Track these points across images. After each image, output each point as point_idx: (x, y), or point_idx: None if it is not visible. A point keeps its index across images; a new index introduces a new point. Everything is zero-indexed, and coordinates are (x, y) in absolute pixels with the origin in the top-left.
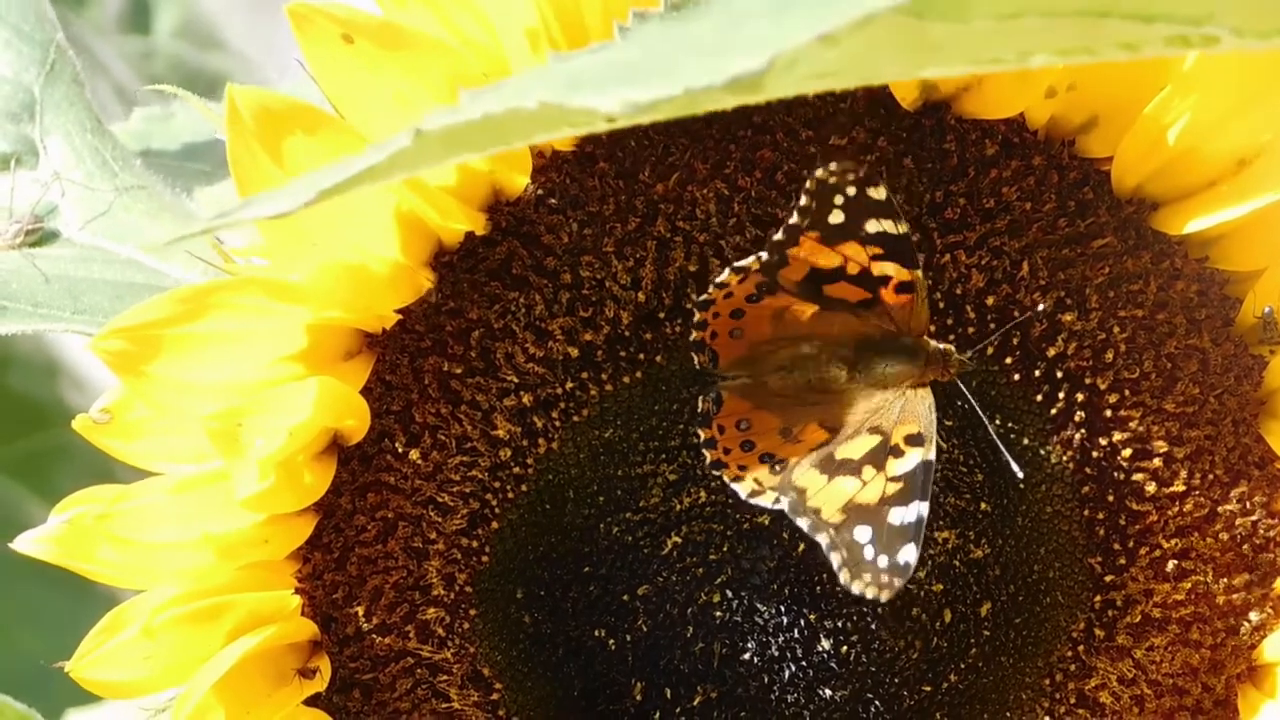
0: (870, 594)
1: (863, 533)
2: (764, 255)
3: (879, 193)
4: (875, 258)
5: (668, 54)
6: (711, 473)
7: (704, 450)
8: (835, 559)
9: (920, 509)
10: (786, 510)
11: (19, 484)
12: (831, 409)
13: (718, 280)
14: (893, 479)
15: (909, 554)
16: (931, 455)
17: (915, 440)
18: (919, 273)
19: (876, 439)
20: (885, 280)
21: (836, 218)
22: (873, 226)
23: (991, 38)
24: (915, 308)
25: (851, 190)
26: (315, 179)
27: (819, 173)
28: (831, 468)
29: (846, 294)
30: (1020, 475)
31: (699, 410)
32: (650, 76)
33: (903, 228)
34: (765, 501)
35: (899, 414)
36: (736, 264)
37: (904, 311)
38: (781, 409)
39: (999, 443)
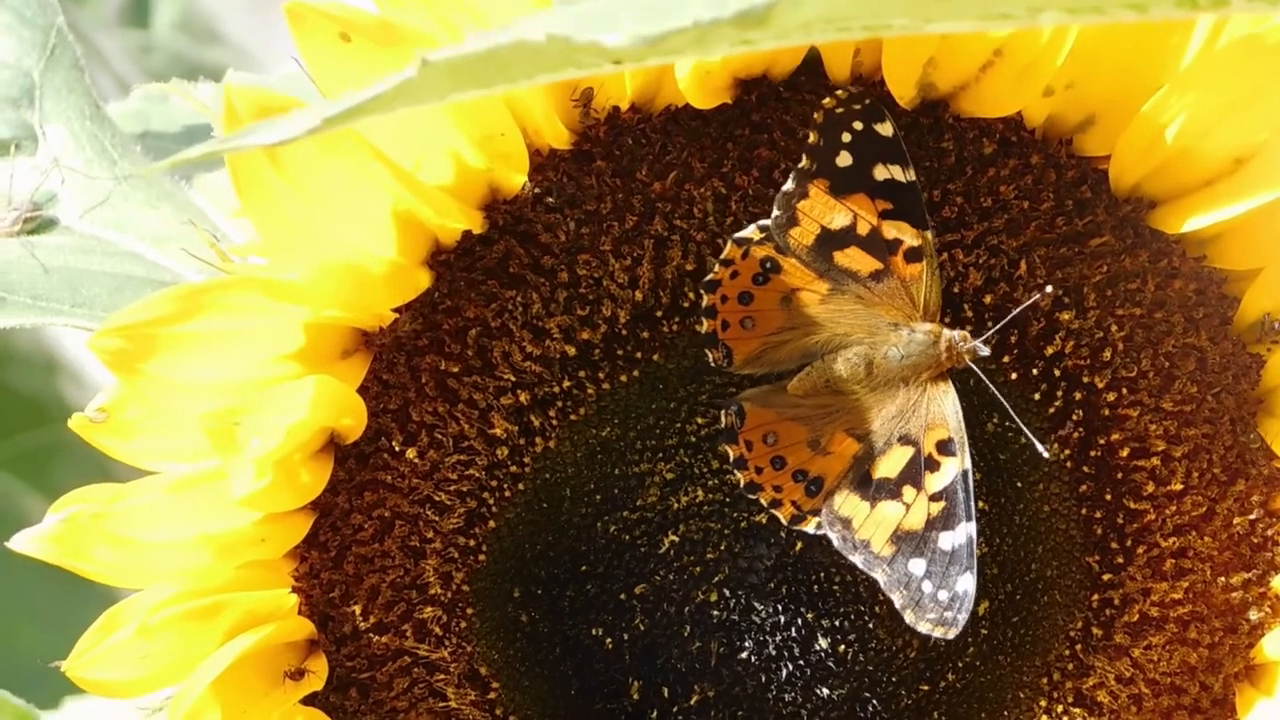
0: (938, 633)
1: (917, 566)
2: (764, 223)
3: (886, 129)
4: (885, 214)
5: None
6: (748, 496)
7: (736, 472)
8: (897, 599)
9: (969, 530)
10: (837, 545)
11: (18, 479)
12: (856, 414)
13: (721, 257)
14: (934, 497)
15: (966, 583)
16: (967, 464)
17: (947, 448)
18: (929, 234)
19: (909, 451)
20: (896, 246)
21: (844, 160)
22: (881, 173)
23: None
24: (926, 279)
25: (858, 125)
26: (320, 108)
27: (826, 101)
28: (871, 491)
29: (857, 263)
30: (1046, 454)
31: (723, 426)
32: (660, 13)
33: (910, 174)
34: (808, 527)
35: (926, 417)
36: (737, 235)
37: (915, 285)
38: (806, 418)
39: (1022, 425)
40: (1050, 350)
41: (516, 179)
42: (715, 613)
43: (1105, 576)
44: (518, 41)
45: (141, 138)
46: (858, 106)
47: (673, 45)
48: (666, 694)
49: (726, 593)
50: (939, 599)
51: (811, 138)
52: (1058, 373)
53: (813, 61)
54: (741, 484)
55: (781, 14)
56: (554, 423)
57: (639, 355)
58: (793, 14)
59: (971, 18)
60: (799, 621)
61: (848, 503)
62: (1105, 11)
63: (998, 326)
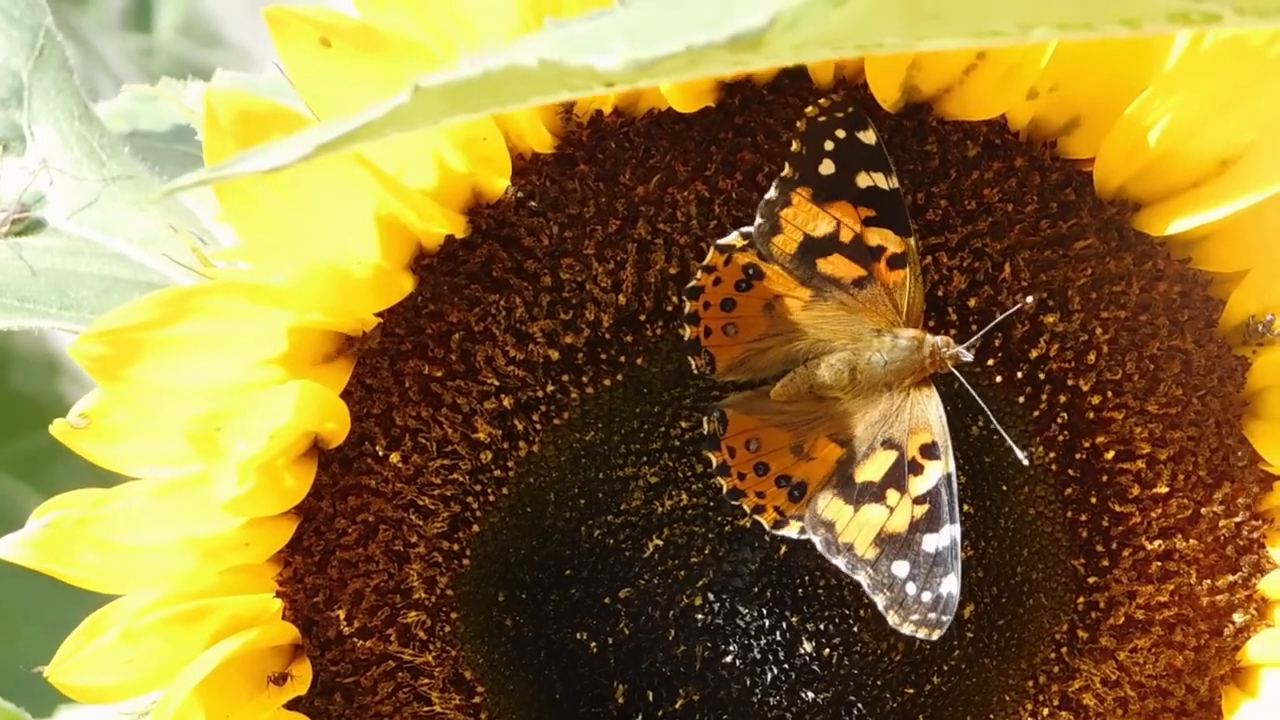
0: (922, 634)
1: (901, 568)
2: (747, 229)
3: (869, 136)
4: (868, 221)
5: (669, 17)
6: (731, 503)
7: (719, 479)
8: (880, 600)
9: (952, 532)
10: (820, 549)
11: (20, 482)
12: (839, 419)
13: (704, 263)
14: (917, 500)
15: (950, 585)
16: (951, 468)
17: (931, 452)
18: (911, 241)
19: (893, 455)
20: (879, 253)
21: (827, 168)
22: (863, 181)
23: (993, 8)
24: (910, 286)
25: (841, 133)
26: (313, 134)
27: (808, 110)
28: (854, 494)
29: (840, 270)
30: (1026, 461)
31: (705, 432)
32: (652, 37)
33: (893, 182)
34: (791, 532)
35: (909, 421)
36: (720, 242)
37: (899, 291)
38: (789, 424)
39: (1003, 432)
40: (1035, 353)
41: (499, 183)
42: (700, 617)
43: (1091, 579)
44: (510, 66)
45: (130, 137)
46: (840, 114)
47: (665, 68)
48: (651, 698)
49: (711, 597)
50: (923, 600)
51: (794, 146)
52: (1042, 376)
53: (796, 65)
54: (724, 491)
55: (775, 37)
56: (537, 427)
57: (622, 359)
58: (786, 37)
59: (963, 35)
60: (783, 625)
61: (831, 506)
62: (1097, 28)
63: (981, 332)
